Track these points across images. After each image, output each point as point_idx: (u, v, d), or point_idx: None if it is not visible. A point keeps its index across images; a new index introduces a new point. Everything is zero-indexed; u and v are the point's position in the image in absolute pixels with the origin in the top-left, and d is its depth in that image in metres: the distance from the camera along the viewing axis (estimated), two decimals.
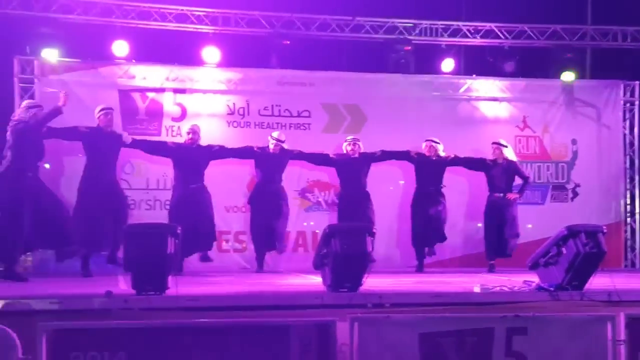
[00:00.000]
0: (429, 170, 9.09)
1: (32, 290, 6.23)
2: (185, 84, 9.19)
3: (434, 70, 9.98)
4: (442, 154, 9.14)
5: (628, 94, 10.32)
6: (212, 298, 5.79)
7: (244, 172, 9.14)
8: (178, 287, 5.65)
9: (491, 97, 10.00)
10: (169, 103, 9.11)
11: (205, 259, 8.49)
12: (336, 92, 9.54)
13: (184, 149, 8.49)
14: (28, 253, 8.57)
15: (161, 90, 9.08)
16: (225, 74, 9.36)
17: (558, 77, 10.09)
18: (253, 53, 9.90)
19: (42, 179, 7.56)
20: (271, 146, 8.72)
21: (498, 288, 6.57)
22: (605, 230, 6.83)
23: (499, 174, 9.20)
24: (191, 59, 9.36)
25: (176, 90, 9.14)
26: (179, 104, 9.15)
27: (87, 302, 5.49)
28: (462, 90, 9.93)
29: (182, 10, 9.30)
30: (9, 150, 7.26)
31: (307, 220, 9.34)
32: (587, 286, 6.42)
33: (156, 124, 8.98)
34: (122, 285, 6.46)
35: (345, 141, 9.02)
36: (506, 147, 9.29)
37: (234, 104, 9.28)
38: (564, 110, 10.12)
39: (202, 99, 9.23)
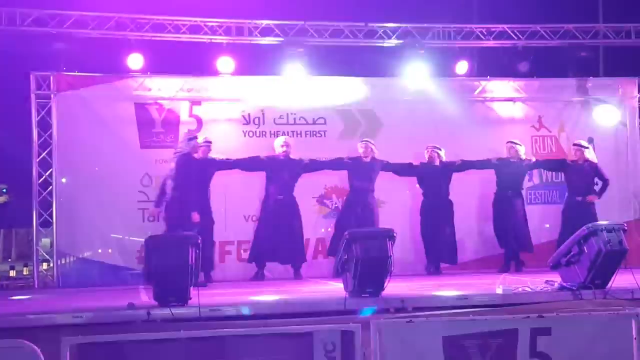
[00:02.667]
0: (508, 174, 9.16)
1: (55, 303, 6.28)
2: (201, 94, 9.22)
3: (448, 73, 9.97)
4: (523, 156, 9.24)
5: None
6: (234, 307, 5.81)
7: (254, 182, 9.12)
8: (200, 297, 5.67)
9: (506, 97, 9.99)
10: (184, 114, 9.15)
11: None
12: (351, 98, 9.55)
13: (277, 162, 8.71)
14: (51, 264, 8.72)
15: (177, 100, 9.12)
16: (240, 83, 9.39)
17: (572, 76, 10.05)
18: (267, 61, 9.93)
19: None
20: (361, 150, 8.89)
21: (520, 289, 6.55)
22: (626, 228, 6.80)
23: (581, 176, 9.17)
24: (206, 70, 9.40)
25: (192, 101, 9.18)
26: (195, 116, 9.18)
27: (110, 314, 5.52)
28: (477, 92, 9.91)
29: (196, 21, 9.34)
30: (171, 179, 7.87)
31: (326, 226, 9.33)
32: (609, 284, 6.39)
33: (172, 135, 9.02)
34: (144, 297, 6.49)
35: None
36: (587, 148, 9.27)
37: (249, 114, 9.30)
38: (579, 108, 10.08)
39: (218, 108, 9.26)
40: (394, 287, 6.34)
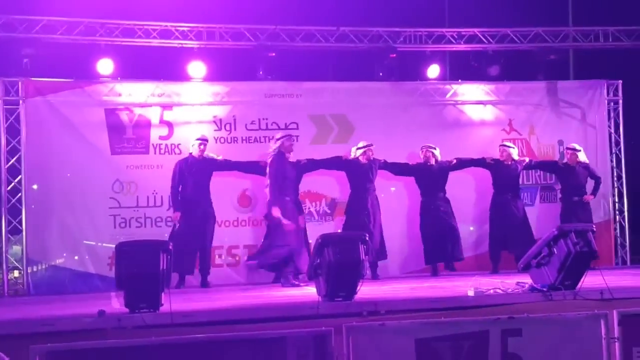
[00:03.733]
0: (505, 176, 9.29)
1: (25, 311, 6.20)
2: (172, 99, 9.17)
3: (420, 76, 10.02)
4: (516, 157, 9.42)
5: (612, 93, 10.40)
6: (207, 313, 5.78)
7: (235, 186, 9.12)
8: (172, 303, 5.63)
9: (477, 100, 10.06)
10: (155, 119, 9.08)
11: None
12: (323, 103, 9.57)
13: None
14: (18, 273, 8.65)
15: (148, 106, 9.07)
16: (212, 88, 9.35)
17: (541, 79, 10.17)
18: (239, 66, 9.91)
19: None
20: (357, 153, 8.87)
21: (492, 291, 6.59)
22: (594, 229, 6.88)
23: (576, 178, 9.40)
24: (177, 75, 9.35)
25: (163, 106, 9.12)
26: (166, 121, 9.12)
27: (80, 322, 5.46)
28: (448, 95, 9.98)
29: (166, 26, 9.30)
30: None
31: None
32: (579, 285, 6.45)
33: (144, 141, 8.96)
34: (115, 303, 6.44)
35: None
36: (580, 151, 9.52)
37: (220, 119, 9.26)
38: (549, 111, 10.19)
39: (189, 114, 9.21)
40: (367, 291, 6.35)
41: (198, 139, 8.70)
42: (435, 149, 9.20)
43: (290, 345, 4.76)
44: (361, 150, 8.89)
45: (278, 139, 8.45)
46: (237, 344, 4.82)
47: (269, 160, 8.40)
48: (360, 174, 8.89)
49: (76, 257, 8.74)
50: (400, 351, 5.12)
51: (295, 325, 5.25)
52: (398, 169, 9.23)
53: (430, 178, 9.17)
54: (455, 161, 9.31)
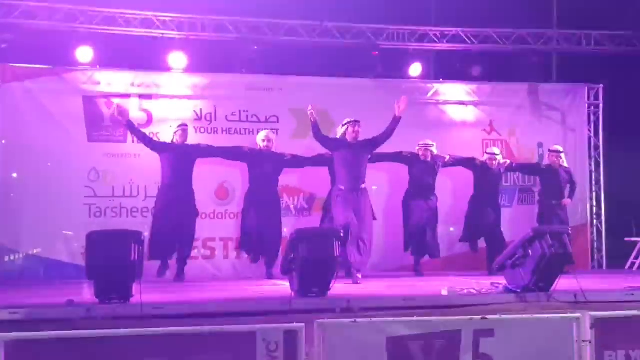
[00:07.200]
0: (487, 179, 9.24)
1: None
2: (152, 90, 9.08)
3: (402, 74, 10.00)
4: (502, 161, 9.36)
5: (592, 97, 10.43)
6: (177, 306, 5.72)
7: (212, 178, 9.05)
8: (142, 295, 5.56)
9: (458, 100, 10.05)
10: (134, 109, 8.99)
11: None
12: (304, 98, 9.47)
13: (259, 155, 8.55)
14: None
15: (126, 96, 8.97)
16: (192, 80, 9.27)
17: (524, 81, 10.17)
18: (220, 58, 9.82)
19: None
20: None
21: (466, 290, 6.58)
22: (570, 232, 6.89)
23: (557, 181, 9.37)
24: (157, 65, 9.26)
25: (142, 96, 9.02)
26: (145, 110, 9.04)
27: (48, 311, 5.38)
28: (429, 94, 9.96)
29: (148, 15, 9.20)
30: None
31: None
32: (553, 287, 6.46)
33: (122, 130, 8.85)
34: (87, 293, 6.36)
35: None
36: (563, 153, 9.50)
37: (201, 109, 9.20)
38: (530, 113, 10.20)
39: (169, 104, 9.13)
40: (341, 288, 6.32)
41: (179, 126, 8.54)
42: (432, 145, 9.08)
43: (259, 339, 4.70)
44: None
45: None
46: (206, 337, 4.75)
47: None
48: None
49: (50, 246, 8.63)
50: (372, 349, 5.07)
51: (266, 320, 5.20)
52: (392, 157, 9.00)
53: (421, 171, 9.04)
54: (448, 158, 9.23)
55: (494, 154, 9.35)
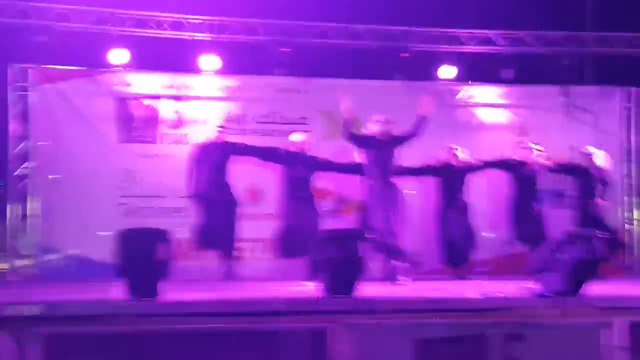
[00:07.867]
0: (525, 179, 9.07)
1: (26, 296, 6.19)
2: (182, 92, 9.16)
3: (432, 77, 9.94)
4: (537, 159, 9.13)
5: (625, 100, 10.27)
6: (204, 304, 5.72)
7: (242, 178, 9.04)
8: (169, 293, 5.59)
9: (489, 103, 9.96)
10: (165, 110, 9.07)
11: None
12: (333, 100, 9.48)
13: (293, 157, 8.46)
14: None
15: (157, 97, 9.05)
16: (223, 82, 9.33)
17: (555, 83, 10.06)
18: (250, 60, 9.88)
19: None
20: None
21: (496, 294, 6.50)
22: (605, 236, 6.78)
23: (591, 183, 9.20)
24: (188, 67, 9.34)
25: (173, 98, 9.10)
26: (176, 112, 9.12)
27: (79, 308, 5.44)
28: (459, 96, 9.89)
29: (178, 18, 9.28)
30: None
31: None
32: (585, 292, 6.36)
33: (152, 131, 8.94)
34: (115, 291, 6.40)
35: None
36: (597, 155, 9.28)
37: (230, 112, 9.23)
38: (561, 116, 10.07)
39: (199, 106, 9.19)
40: (367, 289, 6.27)
41: (218, 126, 8.53)
42: (457, 149, 8.97)
43: (284, 340, 4.72)
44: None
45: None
46: (231, 336, 4.78)
47: None
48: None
49: (83, 245, 8.72)
50: (398, 350, 5.06)
51: (292, 321, 5.19)
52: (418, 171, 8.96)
53: (450, 178, 8.94)
54: (479, 162, 9.07)
55: (532, 147, 9.14)
